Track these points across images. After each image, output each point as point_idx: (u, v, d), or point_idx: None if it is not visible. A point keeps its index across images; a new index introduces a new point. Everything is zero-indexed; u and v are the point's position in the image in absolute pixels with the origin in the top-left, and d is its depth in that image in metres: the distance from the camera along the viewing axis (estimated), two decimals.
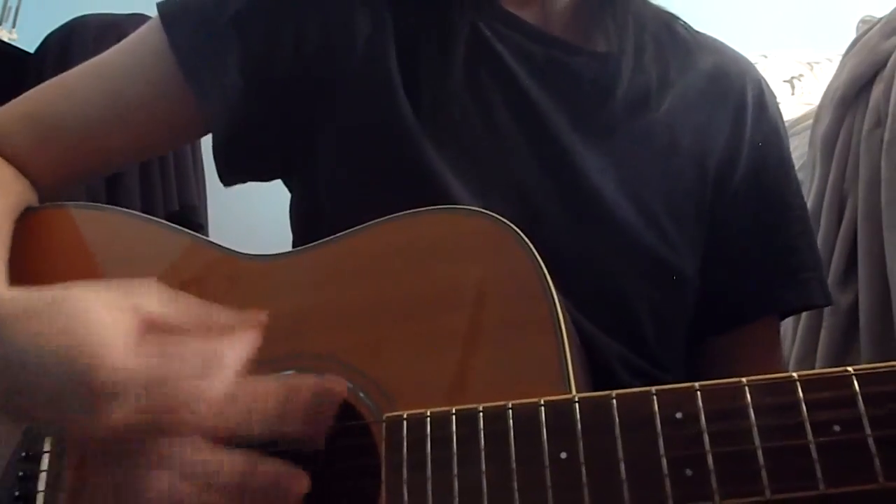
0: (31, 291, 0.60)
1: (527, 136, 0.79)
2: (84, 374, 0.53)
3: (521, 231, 0.64)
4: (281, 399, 0.57)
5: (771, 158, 0.87)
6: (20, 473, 0.66)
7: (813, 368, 1.30)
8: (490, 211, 0.65)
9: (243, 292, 0.70)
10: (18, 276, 0.73)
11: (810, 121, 1.53)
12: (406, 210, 0.67)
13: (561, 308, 0.61)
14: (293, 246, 0.83)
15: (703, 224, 0.83)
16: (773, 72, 2.14)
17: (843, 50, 1.50)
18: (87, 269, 0.75)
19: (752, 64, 0.93)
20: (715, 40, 0.93)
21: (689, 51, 0.88)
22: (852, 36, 1.50)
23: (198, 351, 0.56)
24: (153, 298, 0.59)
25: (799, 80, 2.24)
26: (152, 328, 0.57)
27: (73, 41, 2.21)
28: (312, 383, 0.59)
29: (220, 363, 0.56)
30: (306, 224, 0.84)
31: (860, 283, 1.24)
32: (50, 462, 0.66)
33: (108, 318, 0.55)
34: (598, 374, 0.72)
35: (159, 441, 0.55)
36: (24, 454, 0.66)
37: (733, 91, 0.88)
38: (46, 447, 0.66)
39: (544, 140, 0.79)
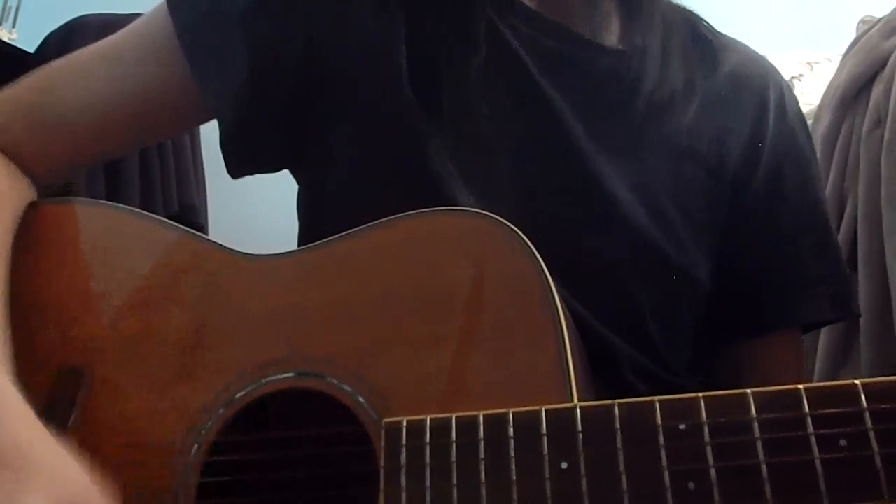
0: None
1: (540, 138, 0.78)
2: None
3: (532, 234, 0.63)
4: None
5: (789, 165, 0.86)
6: None
7: (812, 368, 1.30)
8: (499, 212, 0.65)
9: (242, 292, 0.70)
10: (18, 270, 0.73)
11: (810, 121, 1.53)
12: (411, 210, 0.67)
13: (563, 312, 0.61)
14: (299, 238, 0.84)
15: (719, 228, 0.82)
16: None
17: (843, 50, 1.50)
18: (83, 265, 0.75)
19: (773, 66, 0.92)
20: (737, 41, 0.91)
21: (712, 52, 0.87)
22: (852, 36, 1.49)
23: None
24: None
25: (799, 80, 2.23)
26: None
27: (73, 41, 2.21)
28: None
29: None
30: (313, 217, 0.84)
31: (860, 283, 1.24)
32: None
33: None
34: (604, 375, 0.71)
35: None
36: None
37: (754, 94, 0.86)
38: None
39: (558, 141, 0.78)
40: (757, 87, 0.87)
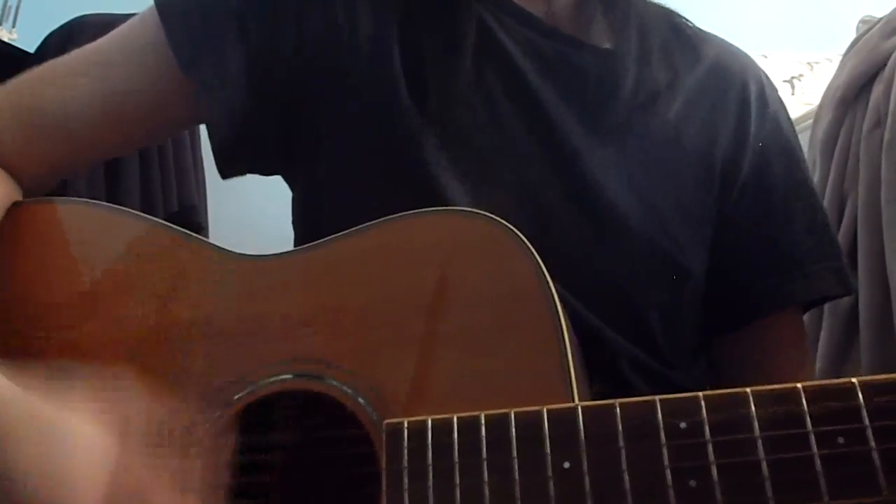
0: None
1: (533, 135, 0.78)
2: None
3: (528, 232, 0.63)
4: None
5: (775, 153, 0.87)
6: None
7: (813, 367, 1.30)
8: (495, 212, 0.65)
9: (238, 293, 0.69)
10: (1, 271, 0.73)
11: (810, 121, 1.53)
12: (407, 209, 0.67)
13: (563, 312, 0.61)
14: (294, 243, 0.83)
15: (710, 220, 0.83)
16: (773, 72, 2.13)
17: (843, 50, 1.50)
18: (66, 265, 0.74)
19: (752, 59, 0.93)
20: (714, 36, 0.93)
21: (692, 47, 0.88)
22: (852, 36, 1.50)
23: None
24: (125, 426, 0.60)
25: (799, 80, 2.24)
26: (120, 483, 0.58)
27: (73, 41, 2.21)
28: None
29: None
30: (307, 221, 0.84)
31: (860, 283, 1.24)
32: None
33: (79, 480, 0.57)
34: (602, 370, 0.71)
35: None
36: None
37: (735, 87, 0.87)
38: None
39: (550, 139, 0.78)
40: (738, 79, 0.88)
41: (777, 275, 0.84)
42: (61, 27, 2.35)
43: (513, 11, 0.82)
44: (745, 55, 0.93)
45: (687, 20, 0.91)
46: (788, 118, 0.91)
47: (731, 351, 0.87)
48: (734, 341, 0.86)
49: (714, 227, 0.83)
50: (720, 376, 0.86)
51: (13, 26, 2.56)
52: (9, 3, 2.56)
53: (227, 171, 0.83)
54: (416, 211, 0.67)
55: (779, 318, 0.86)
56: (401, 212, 0.67)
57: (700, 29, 0.92)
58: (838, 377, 1.29)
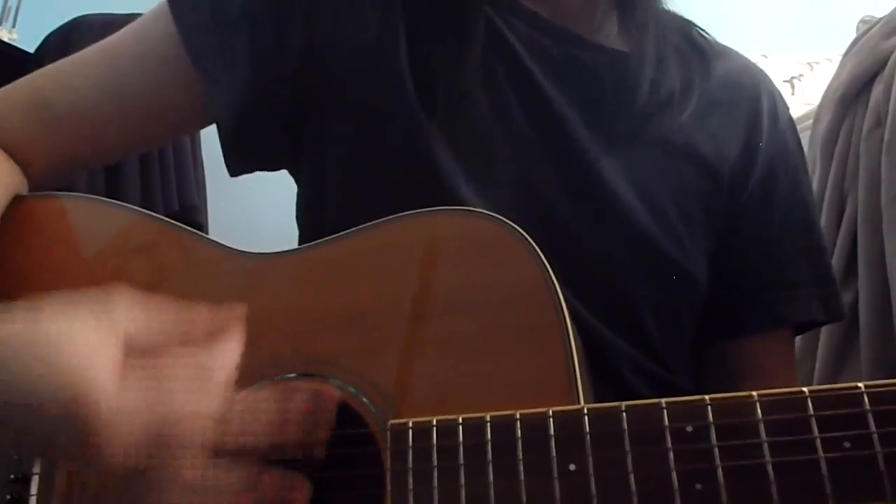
0: None
1: (540, 135, 0.78)
2: (73, 412, 0.52)
3: (532, 231, 0.63)
4: (276, 407, 0.58)
5: (780, 171, 0.87)
6: (8, 497, 0.64)
7: (812, 367, 1.31)
8: (500, 210, 0.65)
9: (243, 290, 0.69)
10: (2, 264, 0.73)
11: (810, 121, 1.53)
12: (413, 208, 0.67)
13: (569, 315, 0.61)
14: (299, 240, 0.83)
15: (714, 230, 0.83)
16: (773, 72, 2.13)
17: (843, 50, 1.50)
18: (72, 260, 0.74)
19: (767, 75, 0.92)
20: (730, 49, 0.92)
21: (706, 58, 0.88)
22: (852, 36, 1.50)
23: (185, 368, 0.56)
24: (128, 311, 0.57)
25: (799, 80, 2.24)
26: (134, 347, 0.56)
27: (73, 41, 2.21)
28: (305, 388, 0.59)
29: (210, 378, 0.56)
30: (312, 218, 0.83)
31: (860, 283, 1.24)
32: (39, 486, 0.64)
33: (87, 346, 0.54)
34: (605, 375, 0.71)
35: (161, 465, 0.54)
36: (12, 476, 0.65)
37: (748, 101, 0.87)
38: (36, 469, 0.65)
39: (558, 139, 0.78)
40: (750, 94, 0.88)
41: (766, 294, 0.85)
42: (61, 27, 2.35)
43: (521, 12, 0.82)
44: (761, 70, 0.93)
45: (703, 31, 0.91)
46: (797, 136, 0.91)
47: (713, 366, 0.86)
48: (717, 356, 0.86)
49: (719, 236, 0.83)
50: (700, 387, 0.85)
51: (13, 26, 2.56)
52: (9, 3, 2.56)
53: (234, 168, 0.83)
54: (422, 210, 0.66)
55: (766, 338, 0.86)
56: (409, 207, 0.67)
57: (716, 41, 0.91)
58: (838, 377, 1.29)
